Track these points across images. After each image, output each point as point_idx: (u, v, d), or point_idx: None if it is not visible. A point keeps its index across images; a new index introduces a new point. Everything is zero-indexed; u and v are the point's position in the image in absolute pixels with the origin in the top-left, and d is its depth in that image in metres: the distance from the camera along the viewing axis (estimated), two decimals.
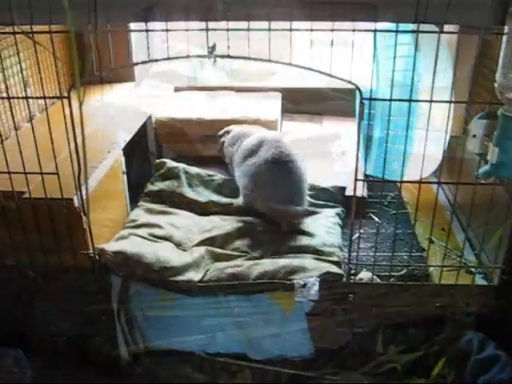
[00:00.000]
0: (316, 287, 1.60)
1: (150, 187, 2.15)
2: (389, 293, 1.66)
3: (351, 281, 1.66)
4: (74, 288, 1.74)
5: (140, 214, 1.99)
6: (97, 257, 1.70)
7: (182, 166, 2.23)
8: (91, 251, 1.70)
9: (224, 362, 1.77)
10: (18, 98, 1.89)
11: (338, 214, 2.02)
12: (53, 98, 1.66)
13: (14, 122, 1.57)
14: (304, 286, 1.61)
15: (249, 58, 1.40)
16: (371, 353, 1.72)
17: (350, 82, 1.42)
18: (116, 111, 2.36)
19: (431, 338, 1.68)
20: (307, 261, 1.71)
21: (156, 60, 1.51)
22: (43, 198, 1.64)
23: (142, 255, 1.71)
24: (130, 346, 1.77)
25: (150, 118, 2.39)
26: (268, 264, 1.70)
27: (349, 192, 2.11)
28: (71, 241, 1.68)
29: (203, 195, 2.14)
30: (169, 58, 1.46)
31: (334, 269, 1.66)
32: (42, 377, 1.72)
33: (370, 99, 1.41)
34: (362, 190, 2.15)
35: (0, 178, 1.63)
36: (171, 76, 2.93)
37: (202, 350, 1.77)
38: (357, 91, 1.42)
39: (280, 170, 1.90)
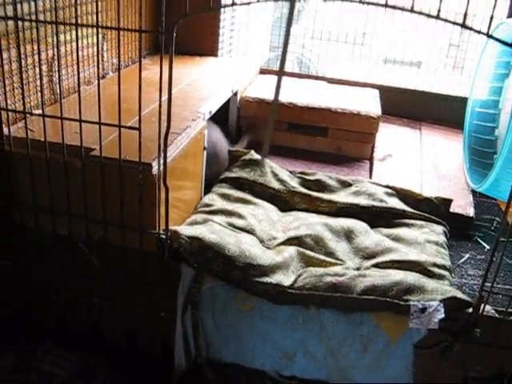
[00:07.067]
0: (440, 314, 1.28)
1: (227, 174, 1.83)
2: None
3: (479, 312, 1.34)
4: (135, 274, 1.43)
5: (215, 199, 1.68)
6: (168, 240, 1.39)
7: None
8: (162, 232, 1.40)
9: None
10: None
11: (444, 232, 1.70)
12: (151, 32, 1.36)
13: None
14: (423, 310, 1.30)
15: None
16: None
17: None
18: (201, 82, 2.07)
19: None
20: (424, 279, 1.40)
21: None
22: (116, 159, 1.34)
23: (224, 246, 1.40)
24: (189, 353, 1.46)
25: (235, 94, 2.09)
26: (377, 277, 1.39)
27: (453, 207, 1.81)
28: (140, 216, 1.38)
29: (289, 188, 1.81)
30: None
31: (460, 294, 1.34)
32: (82, 373, 1.41)
33: None
34: (468, 209, 1.85)
35: (69, 131, 1.35)
36: (253, 57, 2.66)
37: (276, 370, 1.46)
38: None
39: None
